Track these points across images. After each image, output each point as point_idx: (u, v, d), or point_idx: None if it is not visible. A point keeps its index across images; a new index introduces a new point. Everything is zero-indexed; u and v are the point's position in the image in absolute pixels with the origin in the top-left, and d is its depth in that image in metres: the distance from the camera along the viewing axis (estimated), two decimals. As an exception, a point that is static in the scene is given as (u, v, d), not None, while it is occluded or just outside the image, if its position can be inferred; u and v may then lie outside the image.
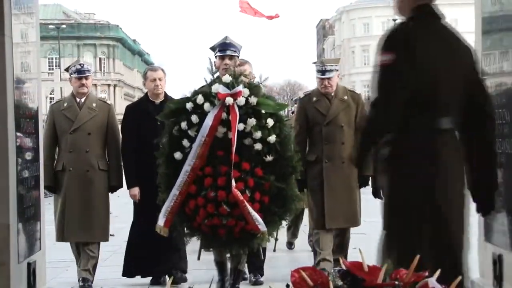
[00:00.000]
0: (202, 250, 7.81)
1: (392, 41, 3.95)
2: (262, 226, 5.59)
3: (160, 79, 7.05)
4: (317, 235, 7.19)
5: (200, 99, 5.78)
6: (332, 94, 7.15)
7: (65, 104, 7.03)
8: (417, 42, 3.91)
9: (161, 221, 5.73)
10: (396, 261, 3.99)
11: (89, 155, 6.89)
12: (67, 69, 7.22)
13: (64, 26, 69.00)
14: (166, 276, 6.98)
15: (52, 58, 72.70)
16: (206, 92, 5.82)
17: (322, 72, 7.14)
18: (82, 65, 7.08)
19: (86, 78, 7.03)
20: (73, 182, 6.85)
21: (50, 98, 41.02)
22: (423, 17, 3.98)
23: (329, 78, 7.11)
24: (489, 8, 5.24)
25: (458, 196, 4.16)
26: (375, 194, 7.13)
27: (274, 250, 8.13)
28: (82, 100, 7.01)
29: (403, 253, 3.98)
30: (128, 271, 7.09)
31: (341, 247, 7.21)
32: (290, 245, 9.37)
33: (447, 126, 3.99)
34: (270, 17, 13.39)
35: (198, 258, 7.38)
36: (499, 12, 5.05)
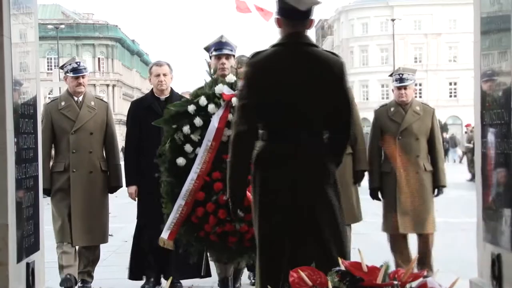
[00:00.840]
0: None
1: (247, 68, 4.44)
2: None
3: (165, 75, 6.79)
4: None
5: (203, 100, 5.58)
6: None
7: (63, 103, 6.83)
8: (266, 67, 4.36)
9: (165, 234, 5.53)
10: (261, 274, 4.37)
11: (92, 156, 6.73)
12: (62, 67, 7.01)
13: (63, 26, 68.88)
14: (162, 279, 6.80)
15: (51, 58, 72.70)
16: (208, 93, 5.66)
17: None
18: (78, 63, 6.89)
19: (83, 77, 6.84)
20: (78, 183, 6.67)
21: (49, 98, 40.92)
22: (289, 44, 4.39)
23: None
24: (488, 8, 5.21)
25: (323, 206, 4.44)
26: (372, 195, 7.11)
27: None
28: (80, 98, 6.82)
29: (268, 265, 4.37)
30: (134, 274, 6.84)
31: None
32: None
33: (304, 138, 4.33)
34: (266, 14, 13.12)
35: (205, 274, 7.07)
36: (498, 12, 5.04)
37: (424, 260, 6.81)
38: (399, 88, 7.01)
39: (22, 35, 5.17)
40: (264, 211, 4.35)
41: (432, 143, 7.00)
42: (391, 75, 7.18)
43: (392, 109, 7.03)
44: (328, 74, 4.37)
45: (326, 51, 4.54)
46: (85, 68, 6.91)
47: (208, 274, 6.53)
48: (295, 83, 4.32)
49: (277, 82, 4.32)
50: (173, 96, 6.75)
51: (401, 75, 7.02)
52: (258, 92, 4.33)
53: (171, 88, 6.87)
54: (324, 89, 4.36)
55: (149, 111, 6.62)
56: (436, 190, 7.01)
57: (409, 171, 6.89)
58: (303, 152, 4.33)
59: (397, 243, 6.96)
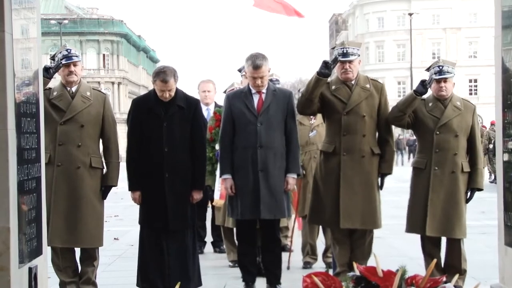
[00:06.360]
0: (214, 254, 7.35)
1: None
2: None
3: (170, 90, 6.31)
4: (335, 247, 6.67)
5: None
6: (353, 81, 6.63)
7: (55, 93, 6.45)
8: None
9: None
10: None
11: (81, 150, 6.35)
12: (53, 58, 6.60)
13: (66, 21, 68.63)
14: None
15: (54, 55, 72.85)
16: None
17: (343, 54, 6.56)
18: (69, 50, 6.49)
19: (75, 64, 6.47)
20: (62, 178, 6.31)
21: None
22: None
23: (350, 62, 6.57)
24: (509, 1, 5.09)
25: None
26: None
27: (288, 268, 7.72)
28: (74, 89, 6.46)
29: None
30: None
31: (361, 253, 6.57)
32: (307, 264, 8.17)
33: None
34: (296, 13, 12.58)
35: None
36: (521, 5, 4.90)
37: (454, 267, 6.43)
38: (438, 81, 6.61)
39: (23, 31, 5.07)
40: None
41: (472, 141, 6.61)
42: (428, 69, 6.73)
43: (430, 104, 6.65)
44: None
45: None
46: (76, 56, 6.52)
47: (199, 283, 6.39)
48: None
49: None
50: (177, 97, 6.38)
51: (440, 67, 6.61)
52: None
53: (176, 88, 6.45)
54: None
55: (151, 114, 6.32)
56: (469, 192, 6.59)
57: (445, 170, 6.51)
58: None
59: (429, 246, 6.56)
